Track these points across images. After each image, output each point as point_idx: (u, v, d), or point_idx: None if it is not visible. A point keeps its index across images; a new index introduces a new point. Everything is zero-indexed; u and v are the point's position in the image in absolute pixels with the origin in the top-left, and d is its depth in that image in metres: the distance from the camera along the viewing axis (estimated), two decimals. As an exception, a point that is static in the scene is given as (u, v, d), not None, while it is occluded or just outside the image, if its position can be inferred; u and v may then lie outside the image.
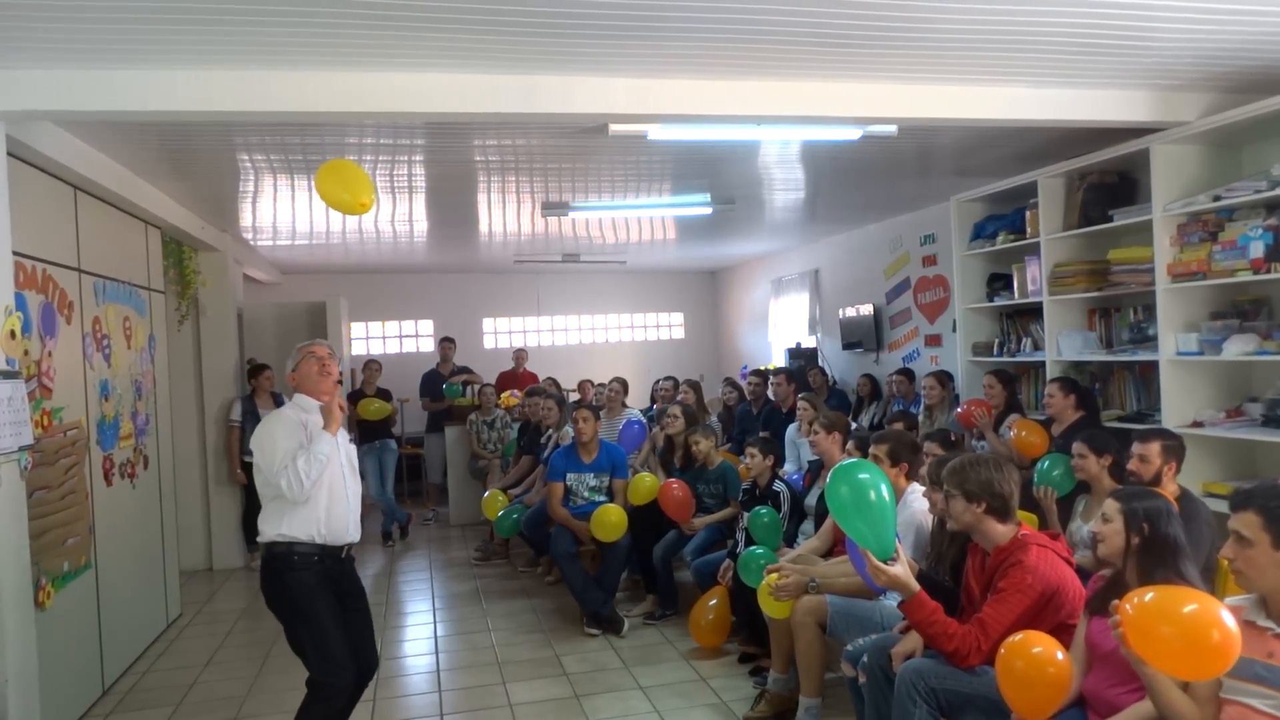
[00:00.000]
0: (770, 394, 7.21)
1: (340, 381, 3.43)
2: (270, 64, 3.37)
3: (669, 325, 12.44)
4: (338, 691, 3.21)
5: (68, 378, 4.18)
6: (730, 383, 8.06)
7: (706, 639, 4.69)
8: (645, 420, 6.85)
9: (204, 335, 7.09)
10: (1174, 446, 3.47)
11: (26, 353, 3.74)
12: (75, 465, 4.22)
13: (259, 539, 3.24)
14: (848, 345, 8.59)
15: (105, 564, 4.52)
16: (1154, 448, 3.43)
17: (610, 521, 5.09)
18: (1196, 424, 4.32)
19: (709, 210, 6.87)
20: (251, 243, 7.89)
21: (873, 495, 2.74)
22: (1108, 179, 4.91)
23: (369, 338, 11.05)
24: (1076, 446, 3.70)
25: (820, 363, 8.73)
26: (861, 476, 2.79)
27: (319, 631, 3.18)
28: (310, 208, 6.27)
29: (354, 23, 3.00)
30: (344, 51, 3.27)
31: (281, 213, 6.46)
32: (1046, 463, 4.01)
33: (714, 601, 4.66)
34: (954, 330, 6.26)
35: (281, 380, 7.49)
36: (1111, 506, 2.48)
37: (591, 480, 5.52)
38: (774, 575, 3.68)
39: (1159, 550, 2.36)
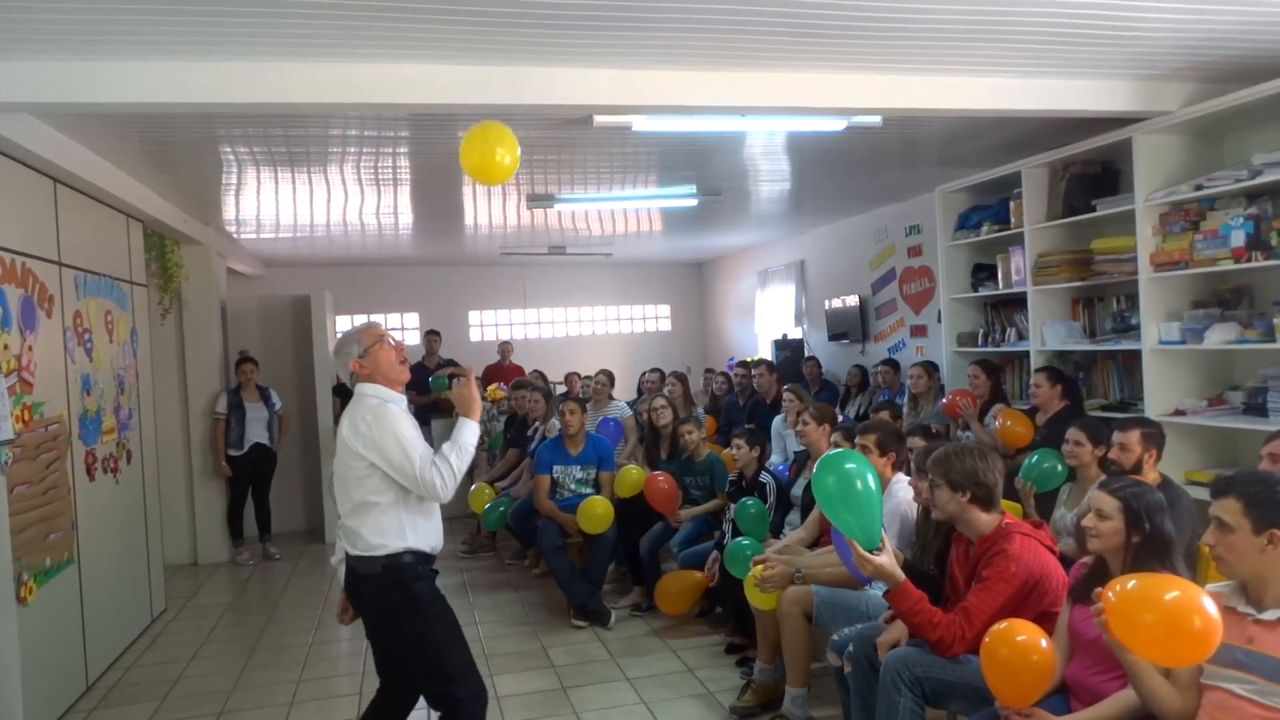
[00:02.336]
0: (755, 385, 7.22)
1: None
2: (252, 55, 3.34)
3: (655, 317, 12.43)
4: (483, 705, 2.86)
5: (48, 372, 4.14)
6: (713, 372, 8.06)
7: (671, 606, 4.72)
8: (621, 419, 6.83)
9: (187, 329, 7.05)
10: (1154, 434, 3.49)
11: (6, 347, 3.71)
12: (57, 460, 4.19)
13: (368, 551, 2.78)
14: (834, 336, 8.61)
15: (88, 559, 4.50)
16: (1134, 436, 3.45)
17: (596, 513, 5.09)
18: (1179, 412, 4.36)
19: (695, 202, 6.87)
20: (235, 236, 7.84)
21: (859, 485, 2.74)
22: (1091, 169, 4.93)
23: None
24: (1073, 433, 3.71)
25: (807, 354, 8.75)
26: (848, 466, 2.79)
27: (458, 642, 2.87)
28: (294, 200, 6.23)
29: (337, 14, 2.97)
30: (327, 43, 3.25)
31: (265, 205, 6.42)
32: (1036, 456, 4.02)
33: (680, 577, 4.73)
34: (939, 321, 6.28)
35: (269, 374, 7.48)
36: (1109, 503, 2.44)
37: (578, 473, 5.52)
38: (759, 567, 3.69)
39: (1155, 547, 2.37)
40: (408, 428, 2.80)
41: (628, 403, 7.41)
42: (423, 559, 2.86)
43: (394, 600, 2.79)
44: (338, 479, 2.87)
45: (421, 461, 2.73)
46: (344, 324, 10.72)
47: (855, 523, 2.75)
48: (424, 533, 2.86)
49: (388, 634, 2.87)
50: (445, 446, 2.80)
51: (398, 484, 2.77)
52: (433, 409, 8.51)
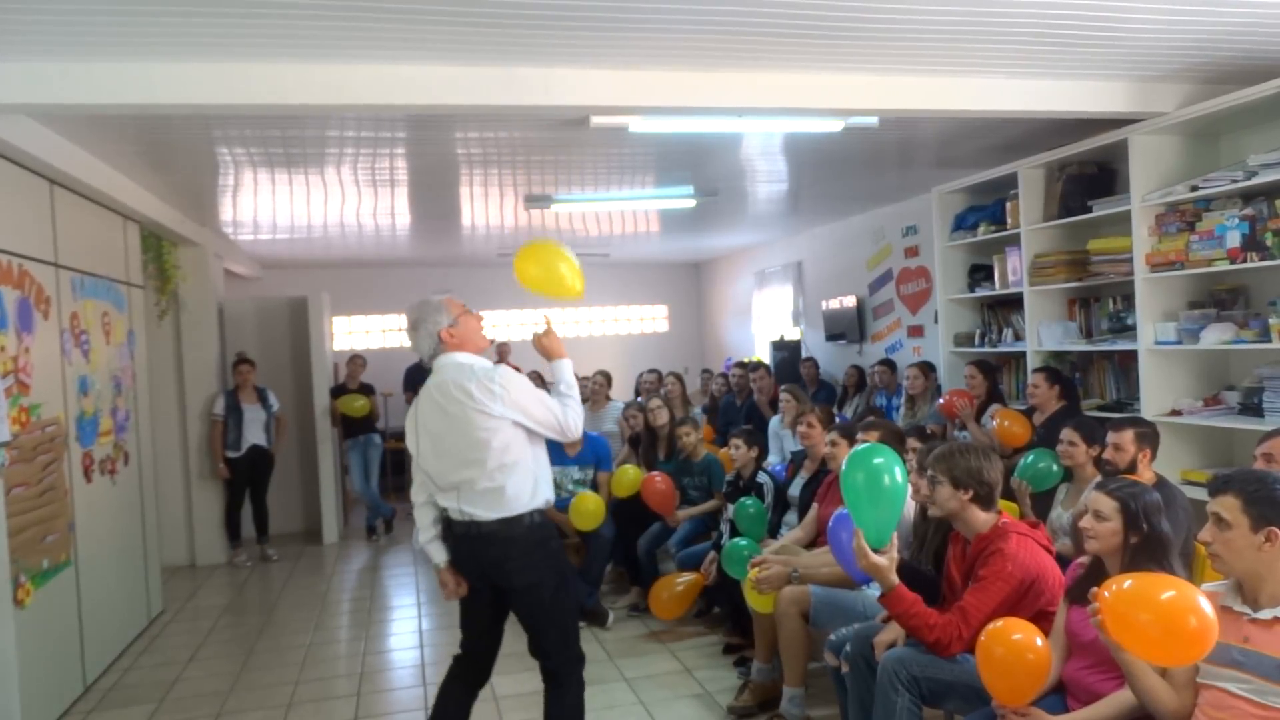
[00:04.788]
0: (754, 388, 7.21)
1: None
2: (249, 56, 3.34)
3: (653, 318, 12.43)
4: (583, 666, 3.05)
5: (45, 374, 4.14)
6: (710, 372, 8.05)
7: (666, 611, 4.70)
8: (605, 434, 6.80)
9: (184, 330, 7.05)
10: (1147, 434, 3.50)
11: (3, 349, 3.71)
12: (54, 462, 4.19)
13: (514, 510, 2.85)
14: (831, 337, 8.62)
15: (85, 561, 4.49)
16: (1127, 436, 3.46)
17: (588, 510, 5.07)
18: (1175, 412, 4.36)
19: (692, 202, 6.87)
20: (232, 237, 7.83)
21: (887, 480, 2.75)
22: (1087, 170, 4.94)
23: (352, 332, 11.00)
24: (1067, 433, 3.72)
25: (804, 354, 8.75)
26: (877, 461, 2.79)
27: (575, 601, 3.01)
28: (291, 201, 6.23)
29: (334, 14, 2.97)
30: (324, 43, 3.25)
31: (262, 207, 6.41)
32: (1031, 456, 4.03)
33: (683, 578, 4.70)
34: (936, 321, 6.29)
35: (266, 375, 7.48)
36: (1107, 504, 2.43)
37: (576, 473, 5.52)
38: (755, 570, 3.70)
39: (1152, 548, 2.37)
40: (529, 382, 2.93)
41: (625, 404, 7.41)
42: (545, 516, 2.95)
43: (537, 558, 2.90)
44: (457, 451, 2.86)
45: (560, 408, 2.91)
46: (341, 325, 10.75)
47: (874, 516, 2.75)
48: (546, 484, 2.97)
49: (529, 595, 2.92)
50: (558, 389, 2.96)
51: (527, 434, 2.89)
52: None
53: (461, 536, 2.92)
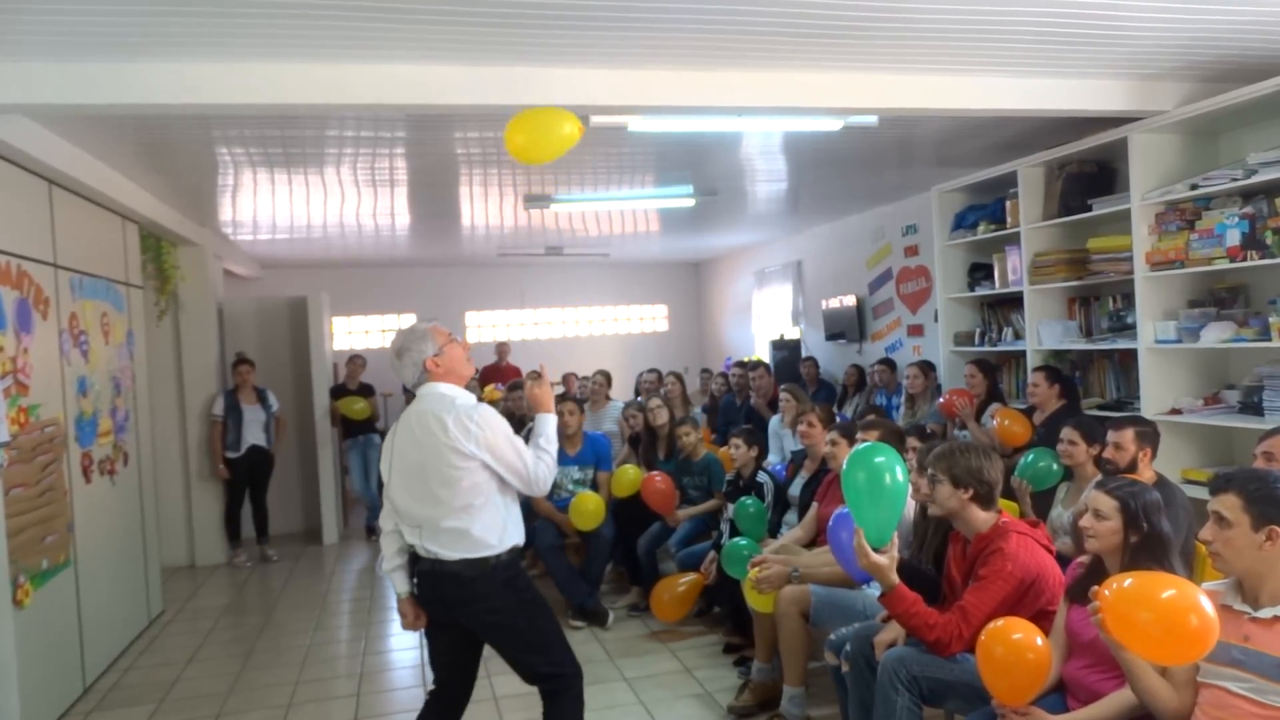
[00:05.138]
0: (752, 389, 7.21)
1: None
2: (248, 56, 3.34)
3: (652, 318, 12.43)
4: (581, 680, 2.95)
5: (44, 374, 4.14)
6: (709, 372, 8.04)
7: (668, 613, 4.70)
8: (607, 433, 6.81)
9: (184, 330, 7.05)
10: (1148, 433, 3.50)
11: (2, 349, 3.70)
12: (53, 462, 4.18)
13: (478, 552, 2.77)
14: (831, 336, 8.62)
15: (85, 561, 4.49)
16: (1128, 435, 3.45)
17: (588, 509, 5.07)
18: (1175, 411, 4.36)
19: (691, 202, 6.87)
20: (231, 237, 7.83)
21: (888, 479, 2.74)
22: (1086, 168, 4.94)
23: (351, 333, 11.00)
24: (1067, 432, 3.72)
25: (804, 354, 8.75)
26: (878, 460, 2.79)
27: (555, 623, 2.93)
28: (290, 201, 6.23)
29: (333, 14, 2.97)
30: (323, 43, 3.24)
31: (262, 207, 6.41)
32: (1031, 455, 4.02)
33: (685, 579, 4.70)
34: (936, 320, 6.29)
35: (266, 375, 7.47)
36: (1107, 504, 2.43)
37: (576, 473, 5.51)
38: (755, 569, 3.69)
39: (1152, 547, 2.37)
40: (508, 426, 2.85)
41: (625, 403, 7.41)
42: (518, 553, 2.91)
43: (505, 597, 2.82)
44: (424, 485, 2.78)
45: (534, 461, 2.84)
46: (340, 325, 10.74)
47: (875, 515, 2.74)
48: (516, 527, 2.90)
49: (499, 631, 2.87)
50: (537, 441, 2.89)
51: (499, 482, 2.82)
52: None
53: (425, 574, 2.84)
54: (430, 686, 3.06)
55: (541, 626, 2.89)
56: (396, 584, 2.96)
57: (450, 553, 2.78)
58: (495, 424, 2.79)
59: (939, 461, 2.90)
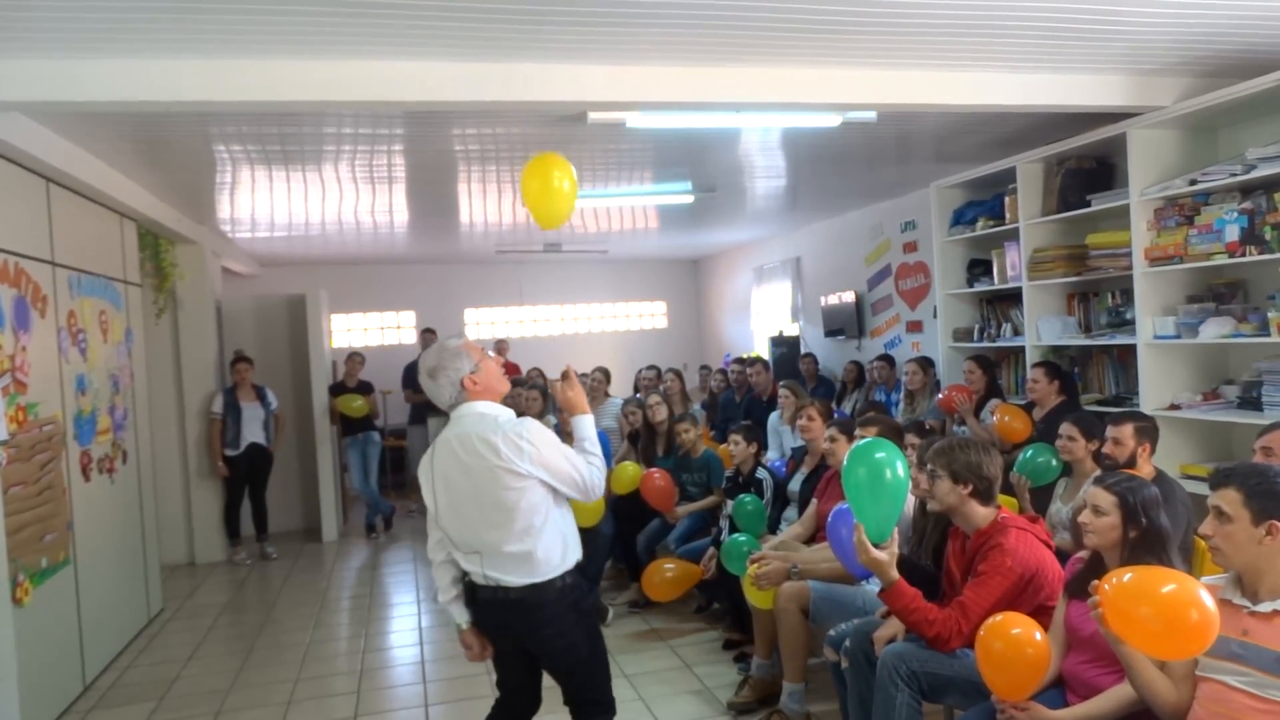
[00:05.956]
0: (751, 383, 7.21)
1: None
2: (245, 53, 3.33)
3: (651, 314, 12.43)
4: (615, 713, 2.88)
5: (43, 372, 4.13)
6: (708, 369, 8.04)
7: (660, 593, 4.72)
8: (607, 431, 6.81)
9: (182, 328, 7.04)
10: (1147, 428, 3.50)
11: (0, 347, 3.70)
12: (52, 461, 4.18)
13: (545, 575, 2.65)
14: (830, 333, 8.62)
15: (84, 559, 4.49)
16: (1127, 430, 3.46)
17: (587, 506, 5.04)
18: (1174, 406, 4.36)
19: (690, 198, 6.86)
20: (230, 235, 7.82)
21: (889, 474, 2.73)
22: (1085, 164, 4.93)
23: (350, 330, 11.00)
24: (1065, 428, 3.72)
25: (803, 350, 8.75)
26: (879, 456, 2.78)
27: (605, 650, 2.86)
28: (288, 199, 6.22)
29: (330, 11, 2.96)
30: (320, 40, 3.24)
31: (260, 204, 6.40)
32: (1030, 451, 4.02)
33: (671, 564, 4.75)
34: (935, 316, 6.29)
35: (264, 373, 7.47)
36: (1106, 499, 2.43)
37: (575, 470, 5.50)
38: (754, 566, 3.69)
39: (1151, 542, 2.38)
40: (555, 437, 2.72)
41: (624, 400, 7.42)
42: (578, 573, 2.79)
43: (571, 621, 2.71)
44: (479, 512, 2.65)
45: (586, 467, 2.71)
46: (339, 323, 10.73)
47: (875, 511, 2.74)
48: (575, 543, 2.77)
49: (564, 655, 2.75)
50: (582, 445, 2.77)
51: (552, 498, 2.68)
52: (430, 408, 8.50)
53: (488, 602, 2.71)
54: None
55: (599, 651, 2.82)
56: (456, 616, 2.82)
57: (515, 579, 2.64)
58: (545, 438, 2.65)
59: (938, 457, 2.90)
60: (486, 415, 2.69)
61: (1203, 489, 2.40)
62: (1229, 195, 4.08)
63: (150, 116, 4.06)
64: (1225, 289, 4.34)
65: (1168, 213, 4.32)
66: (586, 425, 2.83)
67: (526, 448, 2.59)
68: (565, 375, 2.87)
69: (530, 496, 2.62)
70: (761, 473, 4.75)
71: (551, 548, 2.66)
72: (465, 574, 2.76)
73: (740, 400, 7.36)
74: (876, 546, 2.71)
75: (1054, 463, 3.89)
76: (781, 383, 6.20)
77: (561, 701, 2.85)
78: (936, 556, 3.19)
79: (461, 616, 2.80)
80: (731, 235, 9.92)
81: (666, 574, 4.71)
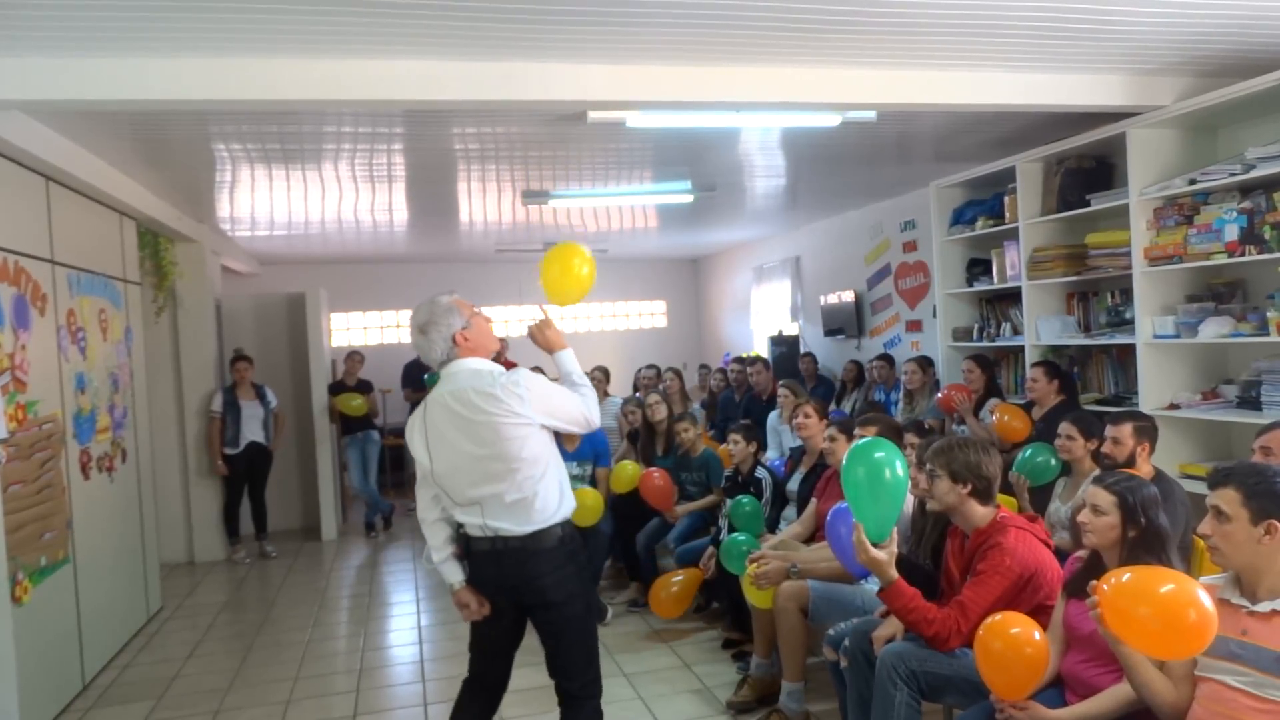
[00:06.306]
0: (751, 383, 7.22)
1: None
2: (245, 51, 3.33)
3: (651, 314, 12.43)
4: (601, 694, 2.90)
5: (42, 371, 4.13)
6: (708, 368, 8.05)
7: (667, 610, 4.68)
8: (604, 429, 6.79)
9: (182, 327, 7.04)
10: (1146, 428, 3.50)
11: (-1, 346, 3.70)
12: (51, 459, 4.18)
13: (545, 522, 2.69)
14: (829, 332, 8.62)
15: (84, 558, 4.49)
16: (1126, 429, 3.46)
17: (586, 505, 5.03)
18: (1173, 406, 4.36)
19: (690, 198, 6.86)
20: (229, 233, 7.82)
21: (888, 474, 2.72)
22: (1085, 163, 4.93)
23: (350, 329, 11.00)
24: (1064, 428, 3.72)
25: (802, 350, 8.75)
26: (878, 455, 2.78)
27: (596, 624, 2.87)
28: (288, 197, 6.22)
29: (330, 9, 2.96)
30: (320, 39, 3.24)
31: (259, 203, 6.40)
32: (1029, 450, 4.02)
33: (678, 577, 4.69)
34: (934, 316, 6.29)
35: (264, 372, 7.47)
36: (1105, 499, 2.44)
37: (574, 469, 5.50)
38: (754, 565, 3.70)
39: (1150, 541, 2.38)
40: (545, 379, 2.79)
41: (623, 399, 7.42)
42: (573, 527, 2.83)
43: (570, 572, 2.74)
44: (480, 464, 2.65)
45: (580, 400, 2.78)
46: (339, 321, 10.72)
47: (875, 511, 2.74)
48: (569, 496, 2.82)
49: (558, 611, 2.75)
50: (570, 379, 2.83)
51: (551, 445, 2.74)
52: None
53: (486, 554, 2.73)
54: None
55: (591, 619, 2.85)
56: (449, 575, 2.82)
57: (516, 527, 2.68)
58: (539, 382, 2.71)
59: (937, 456, 2.90)
60: (480, 371, 2.72)
61: (1202, 488, 2.40)
62: (1228, 195, 4.08)
63: (150, 115, 4.06)
64: (1224, 288, 4.34)
65: (1167, 212, 4.32)
66: (570, 360, 2.88)
67: (526, 395, 2.64)
68: (544, 318, 2.88)
69: (532, 446, 2.66)
70: (761, 472, 4.75)
71: (549, 494, 2.72)
72: (460, 530, 2.80)
73: (740, 400, 7.36)
74: (875, 546, 2.71)
75: (1053, 462, 3.89)
76: (781, 382, 6.20)
77: (554, 694, 2.86)
78: (935, 556, 3.19)
79: (455, 575, 2.82)
80: (731, 235, 9.91)
81: (673, 589, 4.66)
